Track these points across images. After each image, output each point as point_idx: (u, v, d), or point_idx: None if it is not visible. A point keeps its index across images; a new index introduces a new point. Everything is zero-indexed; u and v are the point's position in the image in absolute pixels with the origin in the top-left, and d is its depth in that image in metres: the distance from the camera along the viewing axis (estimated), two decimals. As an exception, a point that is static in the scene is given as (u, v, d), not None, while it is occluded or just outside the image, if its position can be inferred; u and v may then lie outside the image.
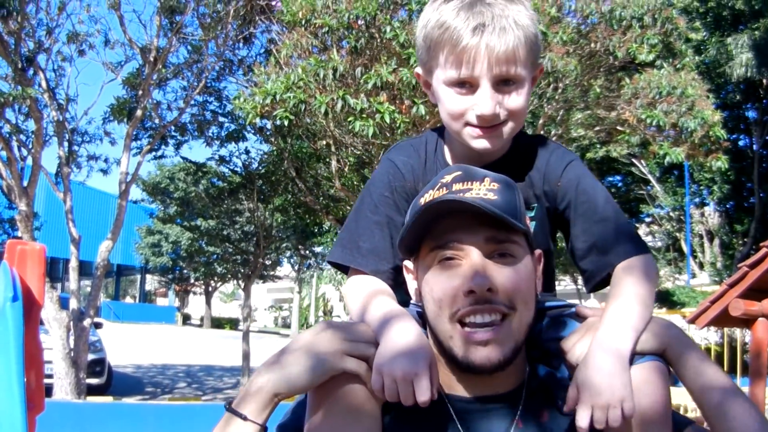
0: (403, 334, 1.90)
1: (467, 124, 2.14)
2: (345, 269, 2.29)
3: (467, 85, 2.10)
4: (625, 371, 1.85)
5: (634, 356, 1.90)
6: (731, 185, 33.96)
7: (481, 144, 2.15)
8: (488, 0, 2.07)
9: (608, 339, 1.89)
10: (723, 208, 35.76)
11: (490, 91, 2.07)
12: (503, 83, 2.09)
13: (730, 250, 34.93)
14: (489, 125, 2.12)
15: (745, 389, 12.93)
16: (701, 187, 35.15)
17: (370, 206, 2.27)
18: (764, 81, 30.78)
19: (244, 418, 1.87)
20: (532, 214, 2.26)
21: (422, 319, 2.05)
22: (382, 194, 2.26)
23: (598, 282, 2.19)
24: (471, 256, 1.90)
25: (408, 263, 2.11)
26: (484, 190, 1.92)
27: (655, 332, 1.95)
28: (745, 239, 33.35)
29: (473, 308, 1.86)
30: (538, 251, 2.09)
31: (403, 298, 2.15)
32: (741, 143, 34.83)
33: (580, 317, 2.10)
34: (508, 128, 2.16)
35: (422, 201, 1.97)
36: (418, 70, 2.31)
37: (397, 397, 1.83)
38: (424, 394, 1.82)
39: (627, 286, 2.04)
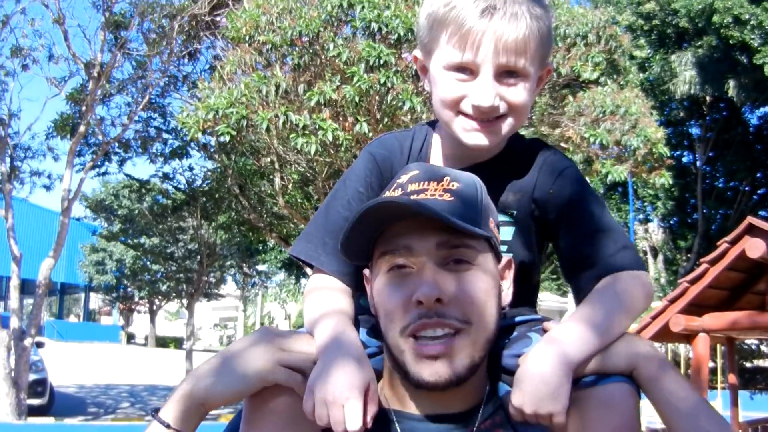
0: (342, 352, 1.75)
1: (460, 113, 1.96)
2: (310, 264, 2.11)
3: (468, 71, 1.92)
4: (563, 381, 1.69)
5: (599, 376, 1.75)
6: (675, 201, 34.42)
7: (474, 138, 1.97)
8: None
9: (556, 344, 1.75)
10: (667, 224, 36.22)
11: (491, 80, 1.89)
12: (507, 74, 1.92)
13: (674, 266, 35.37)
14: (485, 118, 1.95)
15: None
16: (645, 204, 35.60)
17: (342, 200, 2.08)
18: (707, 98, 31.29)
19: (168, 426, 1.74)
20: (509, 219, 2.07)
21: (377, 332, 1.90)
22: (357, 189, 2.08)
23: None
24: (421, 263, 1.75)
25: (366, 271, 1.93)
26: (441, 190, 1.77)
27: (622, 351, 1.77)
28: (689, 255, 33.78)
29: (422, 323, 1.70)
30: (506, 257, 1.93)
31: (368, 305, 1.95)
32: (685, 160, 35.38)
33: (546, 332, 1.86)
34: (506, 125, 1.98)
35: None
36: (417, 52, 2.13)
37: (327, 421, 1.68)
38: (353, 423, 1.66)
39: (601, 296, 1.87)
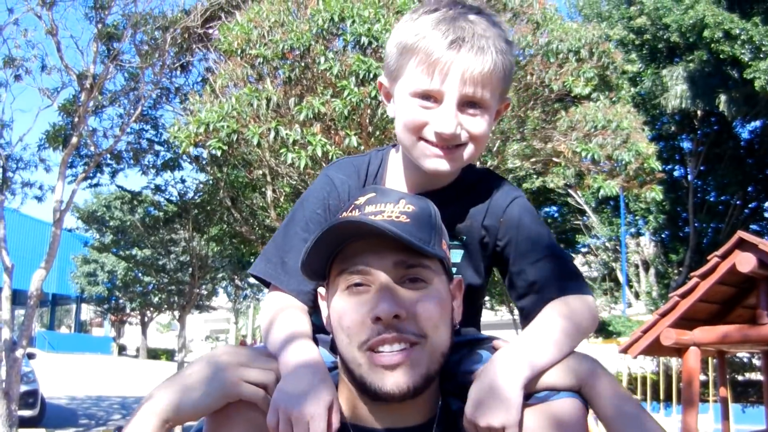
0: (305, 369, 1.82)
1: (422, 139, 2.04)
2: (267, 283, 2.19)
3: (432, 98, 2.00)
4: (516, 394, 1.79)
5: (550, 392, 1.85)
6: (666, 215, 34.45)
7: (434, 164, 2.05)
8: (471, 17, 2.00)
9: (509, 359, 1.85)
10: (658, 238, 36.22)
11: (454, 109, 1.98)
12: (469, 105, 2.01)
13: (666, 280, 35.35)
14: (446, 145, 2.02)
15: (680, 417, 13.09)
16: (637, 218, 35.61)
17: (301, 222, 2.17)
18: (698, 112, 31.36)
19: None
20: (458, 243, 2.18)
21: (333, 348, 1.99)
22: (315, 211, 2.17)
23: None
24: (379, 281, 1.82)
25: (321, 289, 2.01)
26: (397, 212, 1.85)
27: (570, 367, 1.88)
28: (680, 269, 33.80)
29: (382, 338, 1.78)
30: (457, 278, 2.03)
31: (322, 323, 2.04)
32: (676, 174, 35.40)
33: (497, 350, 1.99)
34: (466, 153, 2.07)
35: None
36: (383, 79, 2.20)
37: None
38: None
39: (551, 317, 1.98)
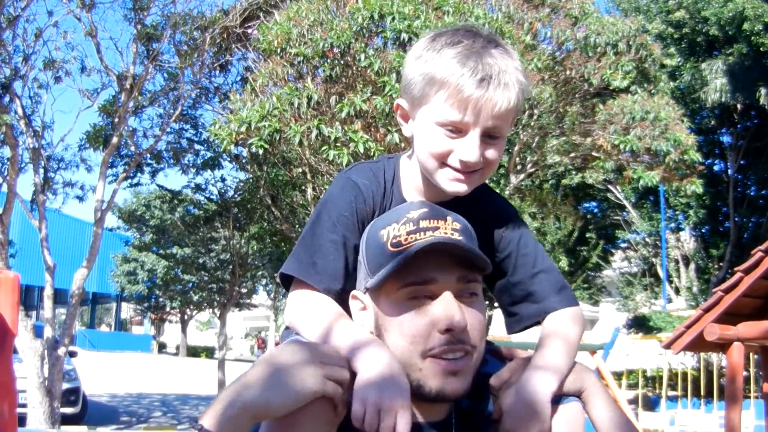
0: (384, 363, 1.90)
1: (445, 165, 2.15)
2: (288, 284, 2.26)
3: (457, 129, 2.10)
4: (548, 405, 1.97)
5: (561, 397, 2.03)
6: (707, 210, 34.16)
7: (455, 187, 2.17)
8: (493, 52, 2.11)
9: (540, 375, 2.02)
10: (698, 232, 35.92)
11: (478, 140, 2.09)
12: (489, 136, 2.12)
13: (706, 275, 35.05)
14: (467, 170, 2.14)
15: (722, 413, 12.99)
16: (677, 212, 35.32)
17: (328, 224, 2.23)
18: (738, 106, 31.03)
19: None
20: None
21: None
22: (342, 214, 2.23)
23: (527, 326, 2.32)
24: (446, 296, 1.94)
25: (359, 293, 2.11)
26: (450, 229, 1.98)
27: (577, 376, 2.07)
28: (721, 264, 33.50)
29: (449, 347, 1.93)
30: None
31: None
32: (716, 168, 35.06)
33: (503, 357, 2.25)
34: (480, 176, 2.20)
35: (390, 233, 2.00)
36: (402, 102, 2.29)
37: (376, 428, 1.82)
38: (405, 427, 1.82)
39: (558, 334, 2.18)
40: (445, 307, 1.92)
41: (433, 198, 2.25)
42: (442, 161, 2.15)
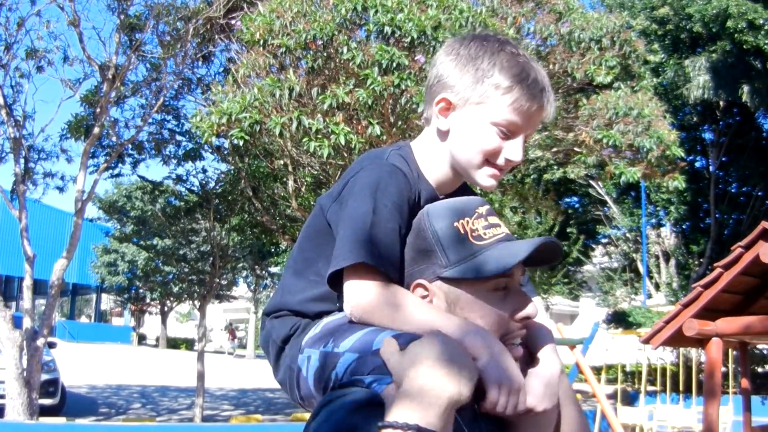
0: (497, 344, 1.98)
1: (489, 163, 2.28)
2: (336, 280, 2.15)
3: (509, 131, 2.24)
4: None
5: None
6: (688, 206, 34.33)
7: (491, 182, 2.31)
8: (534, 64, 2.27)
9: (556, 360, 2.16)
10: (679, 229, 36.10)
11: (523, 142, 2.27)
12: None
13: (686, 271, 35.25)
14: (505, 169, 2.31)
15: (700, 408, 13.05)
16: (658, 208, 35.50)
17: (385, 213, 2.16)
18: (721, 103, 31.20)
19: None
20: None
21: None
22: (395, 201, 2.18)
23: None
24: (517, 285, 2.10)
25: (425, 282, 2.10)
26: (504, 225, 2.12)
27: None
28: (701, 260, 33.70)
29: (521, 333, 2.09)
30: None
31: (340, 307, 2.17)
32: (698, 164, 35.28)
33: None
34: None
35: (466, 227, 2.06)
36: (450, 96, 2.29)
37: (505, 409, 1.93)
38: (522, 404, 1.95)
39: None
40: (525, 298, 2.08)
41: (445, 189, 2.37)
42: (488, 158, 2.27)
